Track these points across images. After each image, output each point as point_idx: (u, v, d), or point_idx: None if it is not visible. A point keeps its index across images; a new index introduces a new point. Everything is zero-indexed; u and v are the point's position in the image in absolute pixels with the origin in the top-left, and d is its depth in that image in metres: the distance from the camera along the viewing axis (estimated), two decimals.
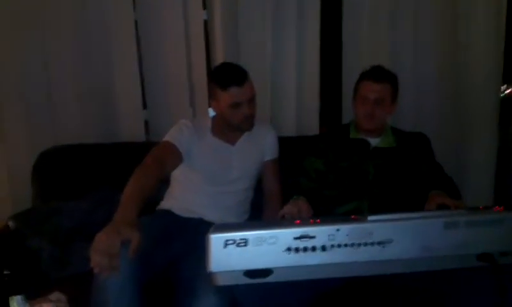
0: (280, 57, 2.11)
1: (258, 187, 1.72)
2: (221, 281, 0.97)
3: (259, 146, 1.69)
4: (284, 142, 1.80)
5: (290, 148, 1.81)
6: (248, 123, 1.58)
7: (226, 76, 1.52)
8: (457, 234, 0.95)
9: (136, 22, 2.04)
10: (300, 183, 1.58)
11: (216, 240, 0.93)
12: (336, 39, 2.20)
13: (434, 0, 2.11)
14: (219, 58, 2.06)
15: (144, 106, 2.13)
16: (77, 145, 1.90)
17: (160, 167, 1.41)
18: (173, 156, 1.51)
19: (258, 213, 1.67)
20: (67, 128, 2.02)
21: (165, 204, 1.62)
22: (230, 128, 1.61)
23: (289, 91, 2.15)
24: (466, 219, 0.96)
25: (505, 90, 2.47)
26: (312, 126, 2.18)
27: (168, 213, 1.56)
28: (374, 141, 1.62)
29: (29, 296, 0.90)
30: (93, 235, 1.07)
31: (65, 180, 1.82)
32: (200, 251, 0.95)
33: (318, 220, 0.99)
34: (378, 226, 0.95)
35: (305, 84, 2.15)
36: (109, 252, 1.04)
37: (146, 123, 2.15)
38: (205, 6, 2.09)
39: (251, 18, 2.06)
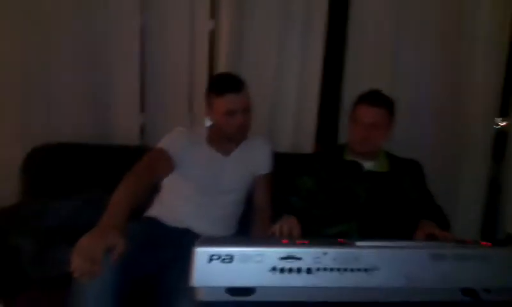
0: (282, 73, 2.13)
1: (248, 201, 1.71)
2: (203, 297, 0.95)
3: (253, 160, 1.68)
4: (278, 159, 1.78)
5: (284, 165, 1.79)
6: (241, 133, 1.58)
7: (223, 83, 1.54)
8: (443, 266, 0.95)
9: (141, 26, 2.05)
10: (291, 201, 1.57)
11: (200, 254, 0.92)
12: (339, 59, 2.21)
13: (436, 30, 2.14)
14: (221, 69, 2.07)
15: (142, 109, 2.12)
16: (69, 144, 1.89)
17: (151, 174, 1.40)
18: (165, 163, 1.50)
19: (246, 228, 1.65)
20: (62, 126, 2.01)
21: (152, 211, 1.60)
22: (225, 137, 1.60)
23: (288, 107, 2.16)
24: (453, 252, 0.96)
25: (500, 123, 2.49)
26: (308, 145, 2.19)
27: (154, 220, 1.54)
28: (367, 164, 1.61)
29: (8, 294, 0.89)
30: (77, 237, 1.05)
31: (54, 179, 1.80)
32: (184, 263, 0.94)
33: (306, 241, 0.99)
34: (365, 252, 0.95)
35: (305, 102, 2.17)
36: (91, 257, 1.02)
37: (143, 126, 2.14)
38: (212, 16, 2.10)
39: (257, 32, 2.09)
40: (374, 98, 1.57)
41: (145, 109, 2.13)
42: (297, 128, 2.18)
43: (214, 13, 2.10)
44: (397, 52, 2.15)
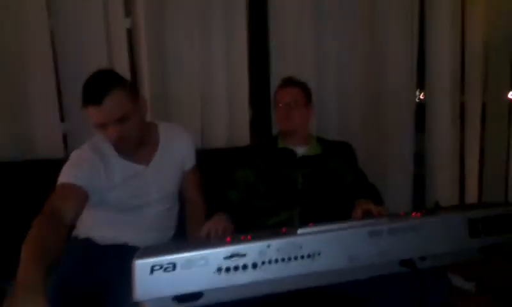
0: (209, 67, 2.09)
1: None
2: None
3: (176, 158, 1.53)
4: (214, 154, 1.76)
5: (220, 159, 1.78)
6: (121, 147, 1.34)
7: (84, 91, 1.26)
8: (380, 241, 0.99)
9: (51, 31, 1.87)
10: (228, 195, 1.56)
11: (141, 266, 0.88)
12: (263, 49, 2.22)
13: (353, 12, 2.23)
14: (143, 68, 1.97)
15: (62, 118, 1.97)
16: None
17: (62, 217, 1.17)
18: (75, 199, 1.25)
19: (183, 227, 1.57)
20: None
21: (81, 232, 1.43)
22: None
23: (219, 101, 2.13)
24: (388, 227, 1.00)
25: (419, 96, 2.66)
26: (243, 137, 2.18)
27: (87, 240, 1.39)
28: (299, 150, 1.66)
29: None
30: None
31: None
32: (126, 277, 0.89)
33: (249, 236, 0.98)
34: (307, 238, 0.96)
35: (235, 94, 2.15)
36: None
37: (65, 136, 1.98)
38: (128, 14, 1.99)
39: (178, 28, 2.01)
40: (287, 81, 1.71)
41: (65, 118, 1.97)
42: (231, 122, 2.15)
43: (129, 10, 1.98)
44: (318, 39, 2.21)
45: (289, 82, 1.70)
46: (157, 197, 1.47)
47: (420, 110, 2.42)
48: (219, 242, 1.00)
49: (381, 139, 2.32)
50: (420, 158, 2.41)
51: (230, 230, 1.30)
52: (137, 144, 1.38)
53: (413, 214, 1.07)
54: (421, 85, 2.47)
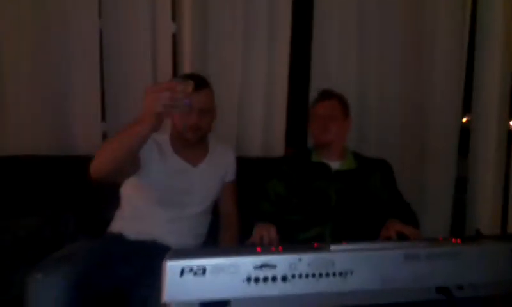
0: (249, 76, 2.10)
1: (214, 210, 1.67)
2: None
3: (221, 168, 1.65)
4: (248, 163, 1.77)
5: (254, 169, 1.77)
6: (192, 133, 1.50)
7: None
8: (416, 266, 0.95)
9: (100, 31, 1.96)
10: (260, 207, 1.56)
11: (171, 267, 0.88)
12: (305, 60, 2.21)
13: (400, 28, 2.19)
14: (186, 70, 2.00)
15: (104, 118, 2.03)
16: (26, 156, 1.76)
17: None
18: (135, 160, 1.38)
19: (213, 237, 1.61)
20: (18, 137, 1.88)
21: (115, 226, 1.51)
22: (180, 138, 1.53)
23: (256, 110, 2.13)
24: (426, 251, 0.96)
25: (463, 119, 2.56)
26: (278, 148, 2.16)
27: (117, 236, 1.46)
28: (335, 165, 1.63)
29: None
30: (38, 255, 0.99)
31: (11, 195, 1.66)
32: (153, 277, 0.89)
33: (280, 248, 0.96)
34: (339, 256, 0.94)
35: (273, 104, 2.15)
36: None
37: (105, 136, 2.04)
38: (174, 18, 2.05)
39: (221, 34, 2.05)
40: (325, 93, 1.71)
41: (106, 117, 2.03)
42: (267, 131, 2.15)
43: (175, 15, 2.04)
44: (362, 52, 2.17)
45: (326, 94, 1.69)
46: (197, 199, 1.55)
47: (465, 134, 2.32)
48: (250, 250, 0.99)
49: (421, 160, 2.24)
50: (462, 183, 2.31)
51: (276, 238, 1.30)
52: (199, 139, 1.54)
53: (453, 240, 1.02)
54: (467, 108, 2.37)
